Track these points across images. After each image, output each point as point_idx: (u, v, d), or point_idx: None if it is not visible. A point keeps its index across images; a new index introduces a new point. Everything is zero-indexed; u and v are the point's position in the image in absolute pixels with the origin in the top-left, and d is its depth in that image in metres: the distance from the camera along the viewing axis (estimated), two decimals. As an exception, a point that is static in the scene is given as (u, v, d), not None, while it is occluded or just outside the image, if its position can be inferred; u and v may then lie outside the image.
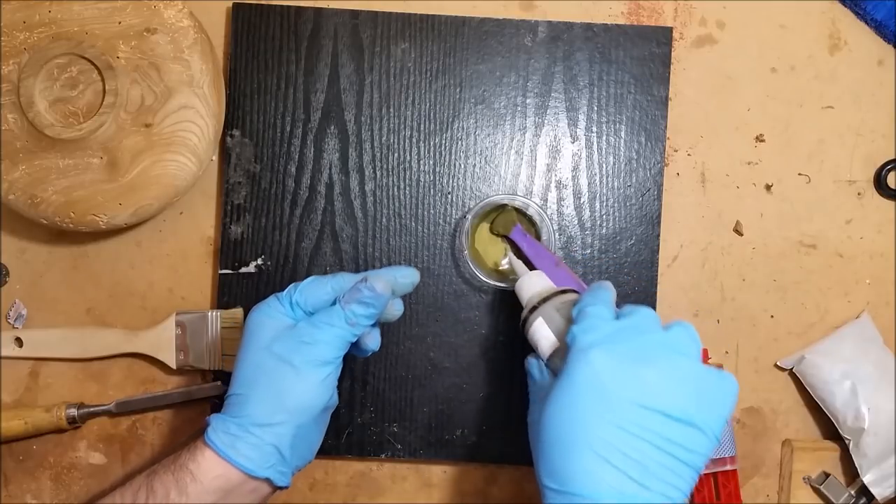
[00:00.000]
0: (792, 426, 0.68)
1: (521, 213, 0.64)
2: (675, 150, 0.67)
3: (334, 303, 0.53)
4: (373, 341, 0.56)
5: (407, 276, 0.56)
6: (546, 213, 0.64)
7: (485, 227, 0.65)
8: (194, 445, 0.52)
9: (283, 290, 0.54)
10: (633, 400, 0.44)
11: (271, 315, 0.54)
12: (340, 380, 0.54)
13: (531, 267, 0.60)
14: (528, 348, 0.54)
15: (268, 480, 0.52)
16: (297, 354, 0.52)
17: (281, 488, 0.53)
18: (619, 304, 0.50)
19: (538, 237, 0.63)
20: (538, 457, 0.47)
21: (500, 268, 0.65)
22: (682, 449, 0.44)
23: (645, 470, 0.43)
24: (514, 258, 0.60)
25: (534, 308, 0.53)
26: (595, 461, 0.43)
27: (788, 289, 0.68)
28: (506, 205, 0.64)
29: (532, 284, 0.56)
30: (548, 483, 0.45)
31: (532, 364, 0.53)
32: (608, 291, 0.51)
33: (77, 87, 0.59)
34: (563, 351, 0.49)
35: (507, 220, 0.64)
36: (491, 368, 0.66)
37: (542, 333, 0.52)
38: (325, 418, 0.56)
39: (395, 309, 0.56)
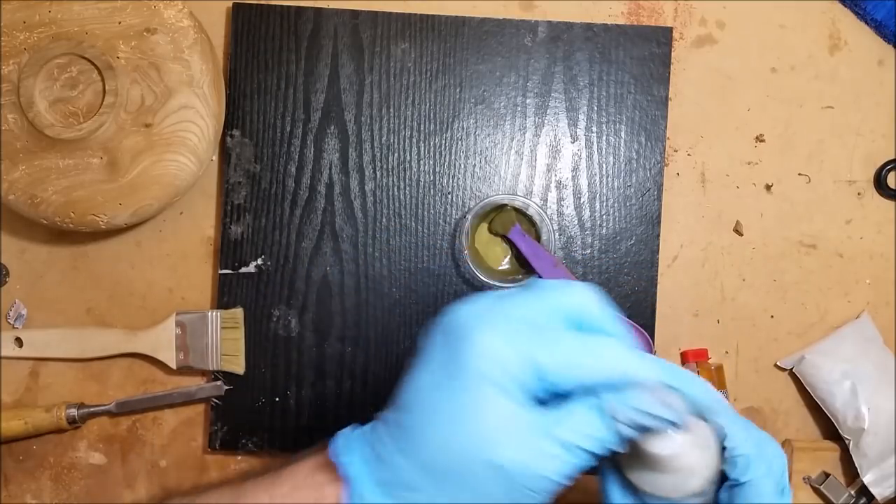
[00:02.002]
0: (792, 426, 0.68)
1: (521, 213, 0.64)
2: (675, 150, 0.67)
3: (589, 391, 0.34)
4: None
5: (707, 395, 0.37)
6: (546, 213, 0.64)
7: (485, 227, 0.65)
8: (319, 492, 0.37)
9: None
10: None
11: (505, 370, 0.34)
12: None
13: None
14: None
15: None
16: (524, 467, 0.34)
17: None
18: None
19: (538, 237, 0.63)
20: None
21: (500, 268, 0.65)
22: None
23: None
24: None
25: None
26: None
27: (788, 289, 0.68)
28: (505, 205, 0.64)
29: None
30: None
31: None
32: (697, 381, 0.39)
33: (77, 87, 0.59)
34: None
35: (506, 219, 0.64)
36: (491, 368, 0.66)
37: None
38: None
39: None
